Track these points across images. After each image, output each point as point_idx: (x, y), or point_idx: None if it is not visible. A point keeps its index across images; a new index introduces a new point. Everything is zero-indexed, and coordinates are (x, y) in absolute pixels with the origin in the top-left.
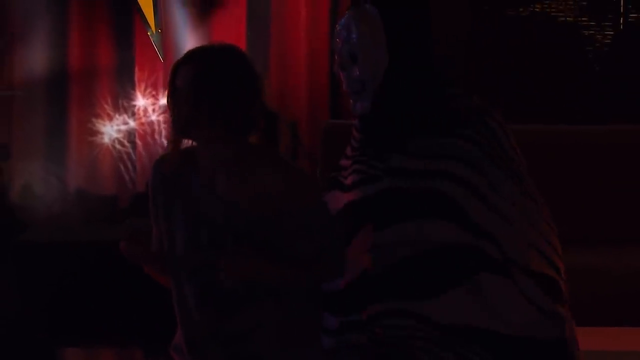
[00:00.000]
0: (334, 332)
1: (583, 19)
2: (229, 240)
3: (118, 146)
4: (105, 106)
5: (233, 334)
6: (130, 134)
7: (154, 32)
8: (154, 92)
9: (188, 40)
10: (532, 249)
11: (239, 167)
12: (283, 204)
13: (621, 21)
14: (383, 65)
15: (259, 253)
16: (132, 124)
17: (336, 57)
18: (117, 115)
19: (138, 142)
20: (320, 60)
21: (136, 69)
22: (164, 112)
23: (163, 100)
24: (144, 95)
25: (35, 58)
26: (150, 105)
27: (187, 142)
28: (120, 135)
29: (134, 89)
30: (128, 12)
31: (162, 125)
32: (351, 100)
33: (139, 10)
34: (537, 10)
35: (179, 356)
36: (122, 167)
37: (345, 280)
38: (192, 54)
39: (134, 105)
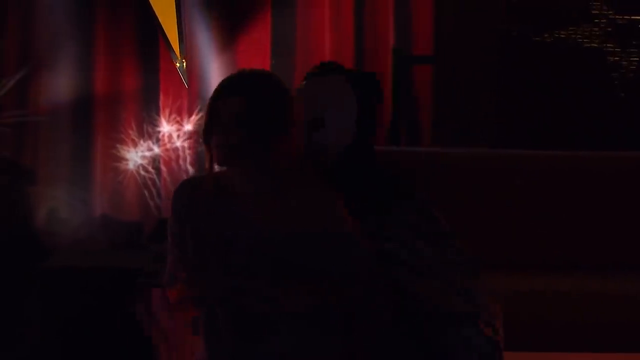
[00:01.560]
0: None
1: (608, 45)
2: (265, 266)
3: (143, 172)
4: (130, 132)
5: (267, 358)
6: (155, 160)
7: (179, 58)
8: (178, 118)
9: (213, 66)
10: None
11: (275, 193)
12: (318, 229)
13: None
14: (349, 137)
15: (296, 279)
16: (156, 150)
17: (301, 122)
18: (141, 142)
19: (163, 168)
20: None
21: (161, 95)
22: (188, 138)
23: (188, 127)
24: (168, 122)
25: (60, 84)
26: (175, 132)
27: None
28: (144, 162)
29: (158, 115)
30: (153, 38)
31: (187, 152)
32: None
33: (164, 36)
34: (562, 36)
35: None
36: (146, 193)
37: None
38: (238, 82)
39: (159, 132)
